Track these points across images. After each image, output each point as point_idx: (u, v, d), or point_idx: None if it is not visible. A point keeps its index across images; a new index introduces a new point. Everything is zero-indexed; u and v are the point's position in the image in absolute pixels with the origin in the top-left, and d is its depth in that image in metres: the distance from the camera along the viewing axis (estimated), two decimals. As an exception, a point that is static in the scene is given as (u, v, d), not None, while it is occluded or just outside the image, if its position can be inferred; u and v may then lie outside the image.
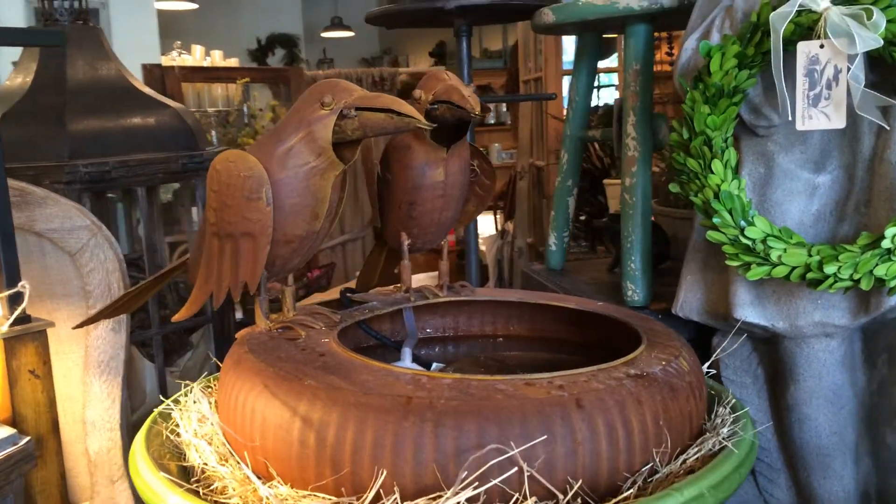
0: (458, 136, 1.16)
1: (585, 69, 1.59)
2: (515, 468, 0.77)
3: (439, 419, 0.79)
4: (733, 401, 1.00)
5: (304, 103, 1.01)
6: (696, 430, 0.93)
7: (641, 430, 0.84)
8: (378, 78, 7.42)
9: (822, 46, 0.93)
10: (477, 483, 0.76)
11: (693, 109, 1.03)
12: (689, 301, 1.22)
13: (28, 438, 0.98)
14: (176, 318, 1.10)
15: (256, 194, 0.97)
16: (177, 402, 1.07)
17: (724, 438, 0.89)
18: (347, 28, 10.21)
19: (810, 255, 0.98)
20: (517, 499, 0.77)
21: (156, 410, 1.05)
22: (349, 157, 1.03)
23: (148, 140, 1.47)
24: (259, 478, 0.86)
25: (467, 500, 0.75)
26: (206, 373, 1.36)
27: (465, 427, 0.79)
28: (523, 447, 0.78)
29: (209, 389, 1.12)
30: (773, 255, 1.00)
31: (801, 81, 0.95)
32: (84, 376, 1.24)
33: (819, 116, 0.95)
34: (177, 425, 0.99)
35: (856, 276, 0.95)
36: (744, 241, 1.02)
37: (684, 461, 0.87)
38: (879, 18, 0.88)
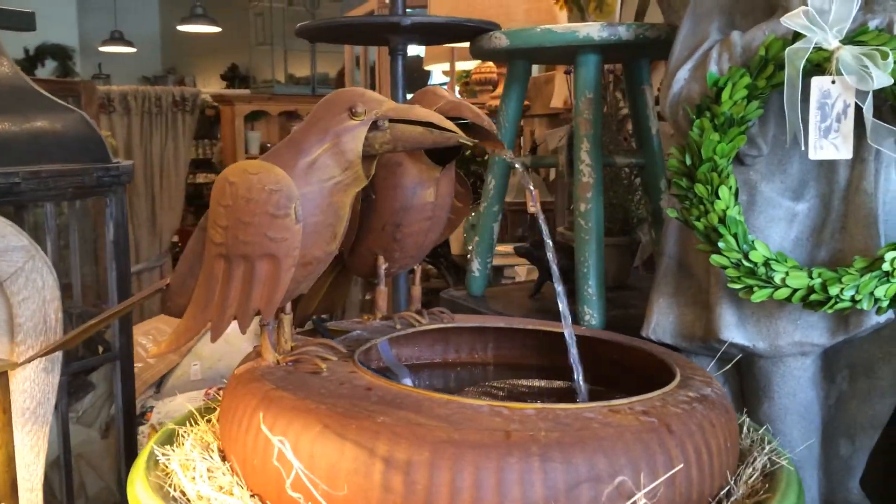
0: (451, 154, 1.11)
1: (515, 96, 1.60)
2: (631, 500, 0.74)
3: (545, 453, 0.74)
4: (746, 419, 1.03)
5: (327, 112, 0.92)
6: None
7: (718, 453, 0.84)
8: (179, 98, 7.01)
9: (833, 82, 1.00)
10: (608, 518, 0.72)
11: (701, 137, 1.07)
12: (662, 324, 1.25)
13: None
14: (155, 352, 0.95)
15: (284, 210, 0.87)
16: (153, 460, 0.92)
17: (773, 457, 0.91)
18: (129, 43, 9.60)
19: (811, 278, 1.04)
20: (631, 532, 0.74)
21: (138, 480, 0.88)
22: (368, 174, 0.95)
23: (56, 149, 1.26)
24: (324, 532, 0.75)
25: (598, 537, 0.71)
26: (106, 416, 1.18)
27: (573, 460, 0.74)
28: (634, 477, 0.75)
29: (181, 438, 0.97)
30: (777, 278, 1.05)
31: (813, 114, 1.01)
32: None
33: (829, 147, 1.01)
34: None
35: (857, 298, 1.02)
36: (747, 264, 1.06)
37: (745, 482, 0.88)
38: (892, 60, 0.96)
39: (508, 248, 2.42)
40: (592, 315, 1.40)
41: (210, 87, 8.81)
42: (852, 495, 1.27)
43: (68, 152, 1.28)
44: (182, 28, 8.34)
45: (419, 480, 0.73)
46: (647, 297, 1.30)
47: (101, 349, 1.42)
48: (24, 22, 0.96)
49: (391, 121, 0.92)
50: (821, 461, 1.26)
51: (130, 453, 1.40)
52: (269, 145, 6.83)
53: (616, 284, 1.71)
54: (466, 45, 3.00)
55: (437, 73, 5.19)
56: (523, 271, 2.60)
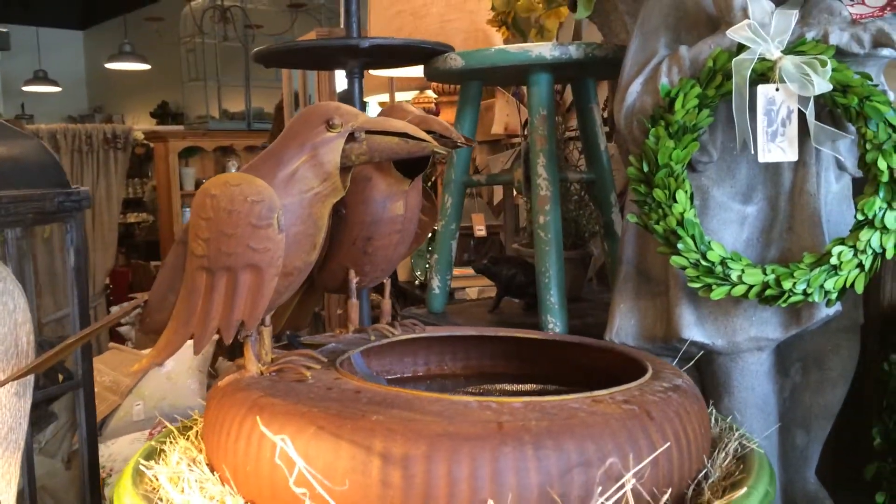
0: (419, 168, 1.14)
1: (469, 117, 1.65)
2: (619, 482, 0.77)
3: (538, 441, 0.77)
4: (713, 410, 1.08)
5: (305, 125, 0.94)
6: (709, 436, 0.99)
7: (694, 438, 0.88)
8: (110, 135, 6.89)
9: (777, 90, 1.07)
10: (602, 499, 0.75)
11: (657, 144, 1.12)
12: (625, 328, 1.30)
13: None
14: (135, 369, 0.94)
15: (267, 221, 0.88)
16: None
17: (743, 441, 0.96)
18: (53, 82, 9.43)
19: (765, 274, 1.10)
20: (621, 513, 0.77)
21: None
22: (345, 185, 0.97)
23: (14, 174, 1.25)
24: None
25: (594, 517, 0.74)
26: (68, 447, 1.17)
27: (564, 446, 0.77)
28: (621, 460, 0.78)
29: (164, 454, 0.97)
30: (734, 276, 1.11)
31: (761, 120, 1.08)
32: (-30, 455, 1.01)
33: (776, 150, 1.08)
34: None
35: (808, 291, 1.08)
36: (705, 264, 1.12)
37: (720, 465, 0.92)
38: (829, 67, 1.03)
39: (458, 270, 2.46)
40: (556, 323, 1.44)
41: (140, 124, 8.68)
42: (809, 484, 1.33)
43: (28, 178, 1.27)
44: (110, 66, 8.23)
45: (417, 474, 0.75)
46: (603, 307, 1.35)
47: (61, 377, 1.39)
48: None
49: (367, 132, 0.95)
50: (778, 452, 1.32)
51: (94, 485, 1.38)
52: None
53: (571, 297, 1.75)
54: (405, 75, 3.05)
55: (374, 105, 5.23)
56: (474, 293, 2.63)
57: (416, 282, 3.00)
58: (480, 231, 2.96)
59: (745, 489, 0.83)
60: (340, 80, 3.68)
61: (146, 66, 8.19)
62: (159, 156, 6.47)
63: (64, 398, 1.41)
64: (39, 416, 1.36)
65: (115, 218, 7.06)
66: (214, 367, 3.08)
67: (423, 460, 0.75)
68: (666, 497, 0.80)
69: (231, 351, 3.29)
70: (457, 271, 2.53)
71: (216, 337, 3.02)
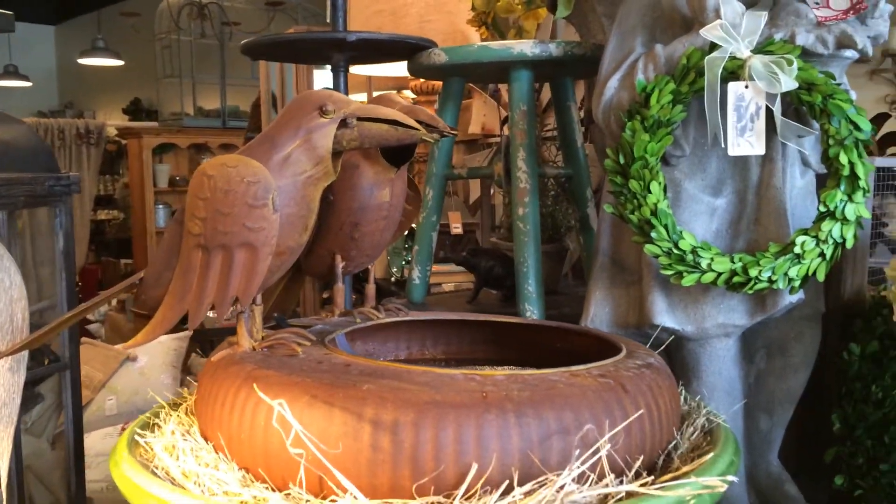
0: (405, 156, 1.19)
1: (450, 112, 1.69)
2: (595, 447, 0.82)
3: (520, 409, 0.82)
4: (682, 390, 1.13)
5: (298, 111, 0.98)
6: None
7: (665, 411, 0.93)
8: (83, 130, 6.85)
9: (746, 87, 1.13)
10: (581, 462, 0.79)
11: (633, 138, 1.18)
12: (599, 315, 1.35)
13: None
14: (129, 344, 0.98)
15: (262, 201, 0.92)
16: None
17: (710, 417, 1.02)
18: (24, 77, 9.32)
19: (733, 262, 1.16)
20: (596, 477, 0.82)
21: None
22: (336, 169, 1.01)
23: (5, 157, 1.27)
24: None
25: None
26: (53, 427, 1.20)
27: (544, 415, 0.82)
28: (594, 427, 0.83)
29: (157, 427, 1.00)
30: (703, 264, 1.17)
31: (731, 116, 1.14)
32: (-36, 429, 1.03)
33: (745, 144, 1.14)
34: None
35: (774, 279, 1.14)
36: (677, 252, 1.18)
37: (688, 438, 0.98)
38: (795, 66, 1.10)
39: (435, 267, 2.51)
40: (533, 311, 1.49)
41: (112, 121, 8.62)
42: (772, 466, 1.39)
43: (19, 162, 1.29)
44: (83, 61, 8.15)
45: (406, 439, 0.79)
46: (578, 300, 1.41)
47: (47, 360, 1.42)
48: (3, 23, 0.98)
49: (358, 119, 0.99)
50: (743, 436, 1.38)
51: (80, 465, 1.40)
52: (178, 178, 6.73)
53: (547, 290, 1.81)
54: (384, 74, 3.08)
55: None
56: (450, 288, 2.68)
57: (393, 279, 3.04)
58: (457, 229, 3.00)
59: (711, 455, 0.88)
60: (319, 78, 3.72)
61: (119, 62, 8.12)
62: (133, 152, 6.44)
63: (50, 380, 1.43)
64: (26, 397, 1.38)
65: (87, 214, 7.02)
66: (187, 364, 3.09)
67: (411, 427, 0.80)
68: (638, 463, 0.85)
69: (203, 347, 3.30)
70: (434, 268, 2.57)
71: (189, 333, 3.04)
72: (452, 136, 1.54)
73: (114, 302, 5.87)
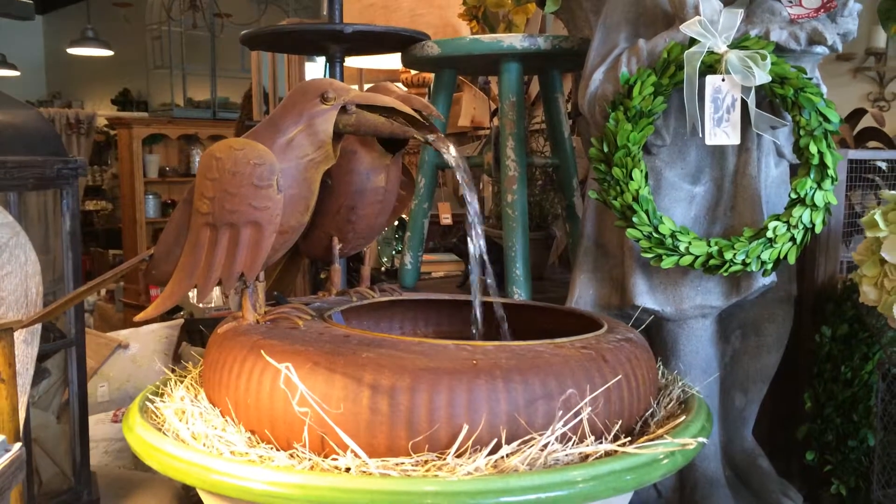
0: (400, 144, 1.25)
1: (442, 103, 1.75)
2: (576, 410, 0.89)
3: (508, 376, 0.88)
4: (661, 365, 1.20)
5: (302, 97, 1.04)
6: (656, 384, 1.11)
7: (643, 381, 1.00)
8: (74, 120, 6.87)
9: (723, 80, 1.20)
10: (563, 424, 0.86)
11: (616, 127, 1.24)
12: (584, 297, 1.42)
13: (20, 444, 0.86)
14: (141, 316, 1.04)
15: (267, 182, 0.98)
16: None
17: (685, 389, 1.09)
18: (13, 67, 9.30)
19: (710, 246, 1.23)
20: (577, 438, 0.88)
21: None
22: (336, 153, 1.07)
23: (16, 141, 1.32)
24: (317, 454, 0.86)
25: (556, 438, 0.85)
26: (59, 403, 1.25)
27: (530, 381, 0.89)
28: (578, 393, 0.90)
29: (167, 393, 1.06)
30: (682, 248, 1.24)
31: (708, 107, 1.20)
32: (-20, 397, 1.08)
33: (721, 134, 1.21)
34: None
35: (747, 261, 1.21)
36: (657, 236, 1.24)
37: (664, 407, 1.04)
38: (769, 61, 1.17)
39: (425, 256, 2.57)
40: (520, 294, 1.55)
41: (101, 111, 8.61)
42: (746, 443, 1.46)
43: (28, 146, 1.34)
44: (72, 51, 8.15)
45: (402, 402, 0.86)
46: (564, 286, 1.47)
47: (52, 337, 1.47)
48: (23, 11, 1.03)
49: (357, 106, 1.05)
50: (719, 414, 1.45)
51: (84, 438, 1.45)
52: (168, 169, 6.76)
53: (534, 276, 1.87)
54: (375, 66, 3.13)
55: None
56: (439, 276, 2.74)
57: (383, 268, 3.10)
58: (447, 219, 3.06)
59: (683, 419, 0.95)
60: (310, 71, 3.77)
61: (109, 53, 8.12)
62: (123, 142, 6.46)
63: (57, 356, 1.48)
64: (34, 372, 1.43)
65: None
66: (178, 352, 3.14)
67: (407, 391, 0.86)
68: (617, 427, 0.92)
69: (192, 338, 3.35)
70: (424, 257, 2.64)
71: (180, 322, 3.09)
72: (440, 121, 1.60)
73: (103, 292, 5.90)
